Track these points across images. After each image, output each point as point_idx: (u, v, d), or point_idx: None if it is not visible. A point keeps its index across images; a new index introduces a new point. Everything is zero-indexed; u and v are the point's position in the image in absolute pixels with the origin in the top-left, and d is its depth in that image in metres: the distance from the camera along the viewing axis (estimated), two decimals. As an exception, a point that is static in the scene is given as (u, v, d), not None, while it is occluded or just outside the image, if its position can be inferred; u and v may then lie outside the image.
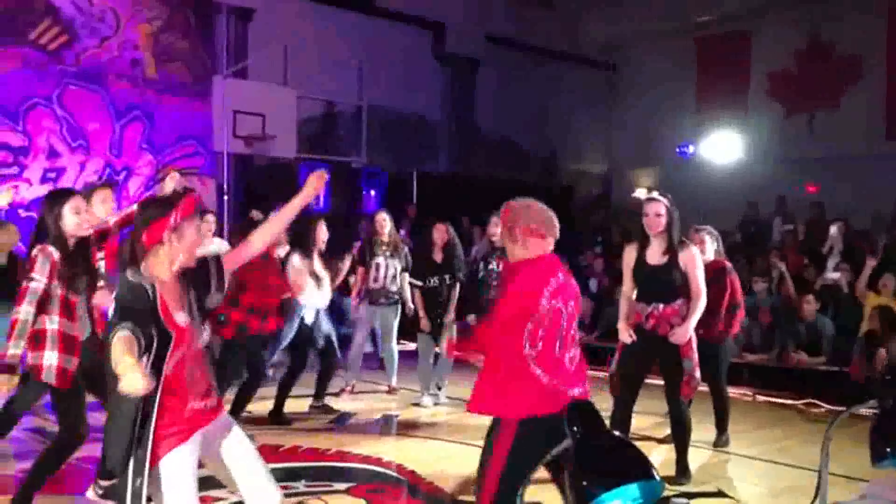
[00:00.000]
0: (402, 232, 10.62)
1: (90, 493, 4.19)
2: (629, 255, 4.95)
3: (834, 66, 14.03)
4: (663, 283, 4.77)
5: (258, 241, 3.10)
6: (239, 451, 2.95)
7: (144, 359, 2.59)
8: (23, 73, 9.97)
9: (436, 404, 6.97)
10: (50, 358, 3.76)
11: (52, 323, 3.78)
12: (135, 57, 10.86)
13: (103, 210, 4.50)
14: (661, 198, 4.81)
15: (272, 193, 12.23)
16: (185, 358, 2.75)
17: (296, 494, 4.62)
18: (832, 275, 9.14)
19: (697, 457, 5.57)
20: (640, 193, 16.60)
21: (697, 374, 4.85)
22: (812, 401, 7.30)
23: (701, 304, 4.78)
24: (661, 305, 4.77)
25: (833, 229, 9.90)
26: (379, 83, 13.08)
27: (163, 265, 2.75)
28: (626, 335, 4.86)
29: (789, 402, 7.44)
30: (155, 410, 2.64)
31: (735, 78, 15.07)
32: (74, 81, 10.38)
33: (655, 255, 4.82)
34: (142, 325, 2.58)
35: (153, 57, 10.98)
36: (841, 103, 13.84)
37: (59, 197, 3.94)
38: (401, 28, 14.11)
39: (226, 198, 11.13)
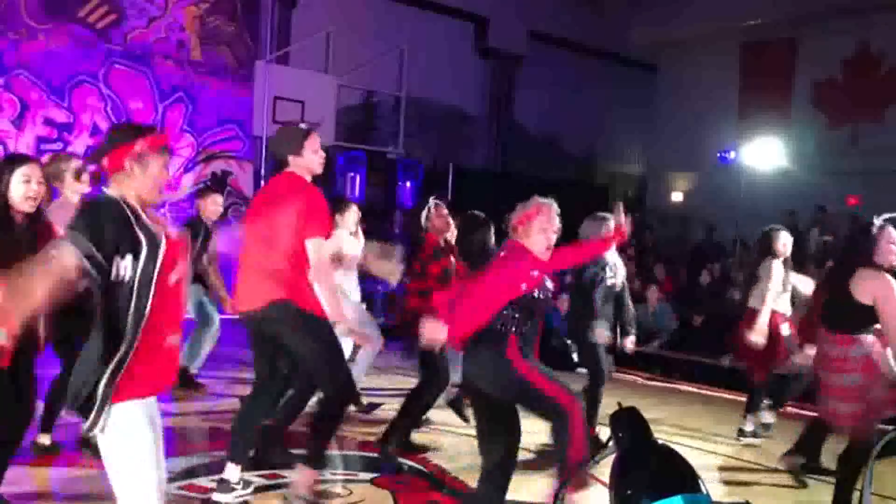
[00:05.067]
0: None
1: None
2: None
3: (881, 78, 13.78)
4: None
5: None
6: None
7: (126, 269, 2.42)
8: (70, 50, 10.11)
9: None
10: None
11: None
12: (180, 39, 10.97)
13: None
14: None
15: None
16: (176, 282, 2.59)
17: (320, 482, 4.64)
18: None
19: (728, 468, 5.54)
20: (678, 198, 16.47)
21: None
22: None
23: None
24: None
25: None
26: (419, 75, 13.09)
27: (129, 194, 2.60)
28: None
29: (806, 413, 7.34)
30: (135, 337, 2.45)
31: (779, 85, 14.87)
32: (120, 61, 10.51)
33: None
34: (116, 235, 2.42)
35: (198, 39, 11.08)
36: (885, 116, 13.60)
37: (9, 163, 3.59)
38: (444, 20, 14.11)
39: (262, 183, 11.20)
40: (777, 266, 5.77)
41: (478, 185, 13.36)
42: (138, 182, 2.58)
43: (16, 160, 3.66)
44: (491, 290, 3.46)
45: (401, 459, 5.19)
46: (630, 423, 1.77)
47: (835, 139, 14.09)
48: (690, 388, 8.59)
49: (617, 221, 4.28)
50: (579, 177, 15.96)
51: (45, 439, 4.66)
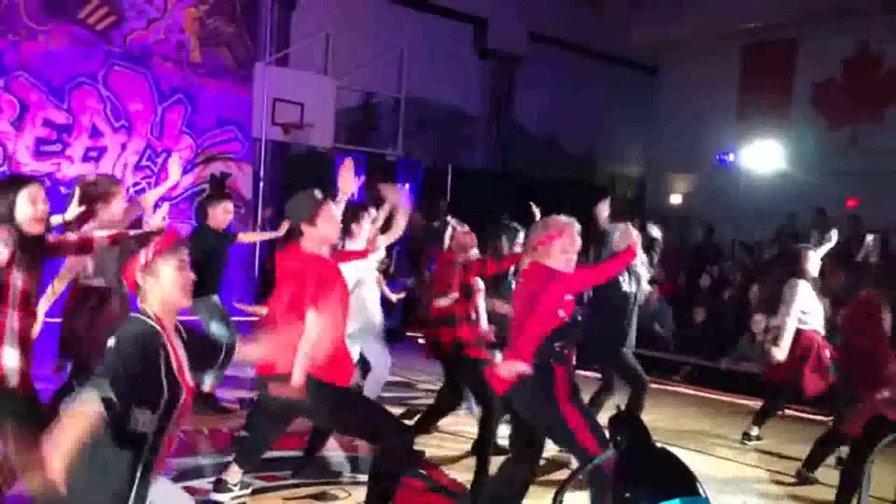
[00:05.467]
0: (436, 226, 10.64)
1: None
2: None
3: (880, 79, 13.78)
4: None
5: None
6: None
7: (145, 419, 2.35)
8: (70, 51, 10.10)
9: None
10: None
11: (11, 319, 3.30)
12: (180, 40, 10.97)
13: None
14: None
15: (308, 182, 12.28)
16: (175, 426, 2.51)
17: (320, 484, 4.64)
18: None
19: (728, 471, 5.53)
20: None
21: None
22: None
23: None
24: None
25: (869, 238, 9.73)
26: (419, 76, 13.09)
27: (160, 307, 2.50)
28: None
29: (820, 417, 7.33)
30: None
31: (779, 87, 14.85)
32: (120, 62, 10.51)
33: None
34: (141, 385, 2.34)
35: (198, 41, 11.08)
36: (885, 117, 13.59)
37: (13, 184, 3.45)
38: (443, 21, 14.11)
39: (261, 184, 11.22)
40: (803, 287, 5.68)
41: (477, 186, 13.37)
42: (156, 294, 2.49)
43: (20, 180, 3.53)
44: (541, 322, 3.37)
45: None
46: (629, 426, 1.77)
47: (835, 140, 14.07)
48: (687, 391, 8.59)
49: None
50: (579, 177, 15.94)
51: None
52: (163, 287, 2.48)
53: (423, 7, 13.73)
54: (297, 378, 3.53)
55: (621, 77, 16.40)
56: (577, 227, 3.68)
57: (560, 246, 3.57)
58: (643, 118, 16.76)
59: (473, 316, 4.97)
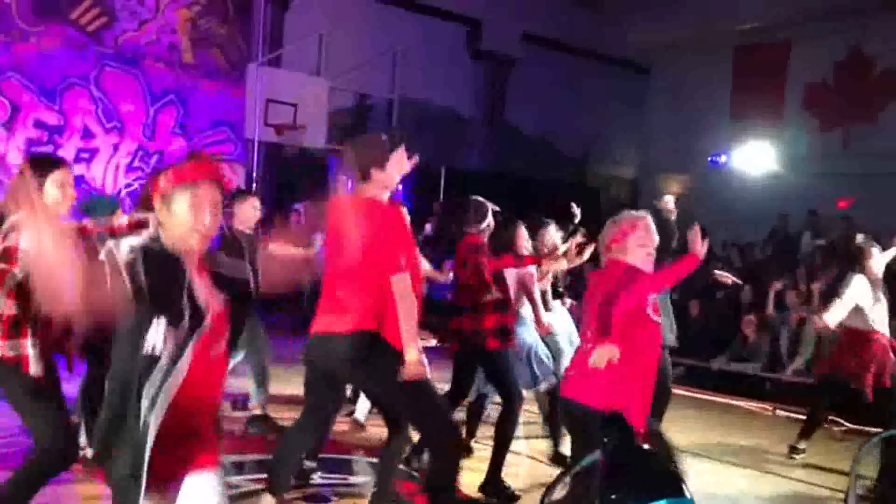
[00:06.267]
0: (428, 227, 10.63)
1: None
2: None
3: (873, 81, 13.82)
4: None
5: None
6: None
7: (164, 337, 2.16)
8: (62, 52, 10.08)
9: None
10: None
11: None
12: (172, 41, 10.95)
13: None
14: None
15: (301, 183, 12.31)
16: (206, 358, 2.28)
17: (311, 485, 4.63)
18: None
19: (715, 471, 5.53)
20: (668, 200, 16.48)
21: None
22: (834, 418, 7.21)
23: None
24: None
25: (860, 238, 9.76)
26: (412, 77, 13.08)
27: (176, 241, 2.29)
28: None
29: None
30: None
31: (771, 88, 14.88)
32: (112, 63, 10.48)
33: None
34: (168, 296, 2.17)
35: (190, 42, 11.06)
36: (878, 119, 13.63)
37: (42, 166, 3.32)
38: (436, 23, 14.11)
39: (255, 185, 11.19)
40: (860, 282, 5.41)
41: (471, 187, 13.30)
42: (170, 226, 2.28)
43: (50, 163, 3.40)
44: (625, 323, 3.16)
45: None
46: (616, 428, 1.76)
47: (827, 142, 14.11)
48: (681, 392, 8.59)
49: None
50: (573, 179, 15.96)
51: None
52: (176, 222, 2.27)
53: (417, 8, 13.73)
54: (413, 354, 3.28)
55: (615, 78, 16.42)
56: (650, 220, 3.55)
57: (635, 240, 3.45)
58: (637, 119, 16.79)
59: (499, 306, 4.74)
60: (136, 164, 10.85)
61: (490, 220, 4.97)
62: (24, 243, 3.10)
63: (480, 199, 5.06)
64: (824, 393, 5.89)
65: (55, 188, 3.28)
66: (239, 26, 11.52)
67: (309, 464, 4.63)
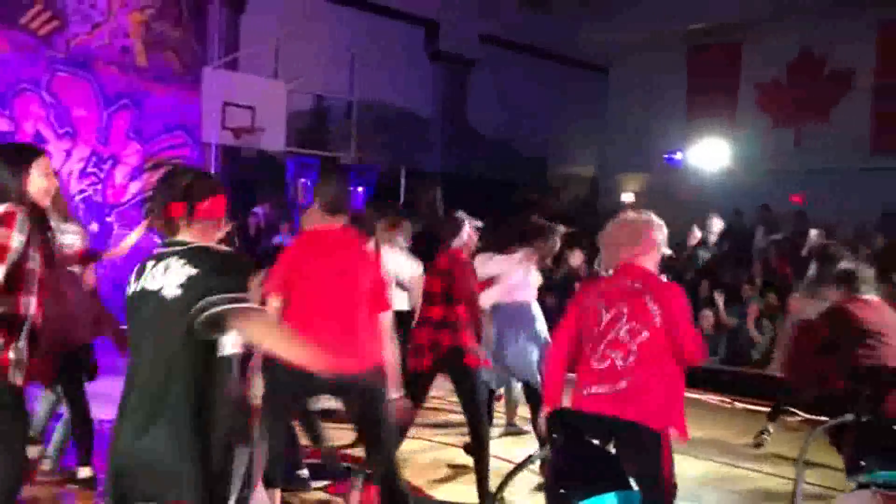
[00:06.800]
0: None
1: None
2: None
3: (824, 80, 14.12)
4: None
5: None
6: None
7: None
8: (12, 57, 9.88)
9: None
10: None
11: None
12: (125, 45, 10.79)
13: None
14: None
15: (260, 186, 12.23)
16: None
17: (291, 490, 4.60)
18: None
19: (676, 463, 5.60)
20: (628, 198, 16.70)
21: None
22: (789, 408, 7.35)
23: None
24: None
25: (813, 233, 9.99)
26: (371, 79, 13.05)
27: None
28: None
29: (767, 409, 7.49)
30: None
31: (725, 87, 15.14)
32: (63, 68, 10.30)
33: None
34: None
35: (144, 45, 10.91)
36: (829, 116, 13.94)
37: (24, 154, 3.10)
38: (394, 24, 14.10)
39: (213, 189, 11.08)
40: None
41: (430, 189, 13.35)
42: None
43: (32, 150, 3.21)
44: None
45: (355, 466, 5.16)
46: (564, 425, 1.79)
47: (779, 139, 14.39)
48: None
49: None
50: (532, 178, 16.06)
51: (86, 472, 4.56)
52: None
53: (374, 10, 13.71)
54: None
55: (573, 79, 16.57)
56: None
57: (658, 247, 3.42)
58: (595, 119, 16.95)
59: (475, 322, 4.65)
60: (89, 169, 10.68)
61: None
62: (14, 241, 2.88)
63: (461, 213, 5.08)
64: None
65: (42, 177, 3.04)
66: (193, 29, 11.39)
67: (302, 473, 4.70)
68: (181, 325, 2.12)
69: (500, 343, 5.23)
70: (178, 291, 2.15)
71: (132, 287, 2.30)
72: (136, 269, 2.33)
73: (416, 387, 4.48)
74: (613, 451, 2.56)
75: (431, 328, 4.58)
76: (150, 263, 2.29)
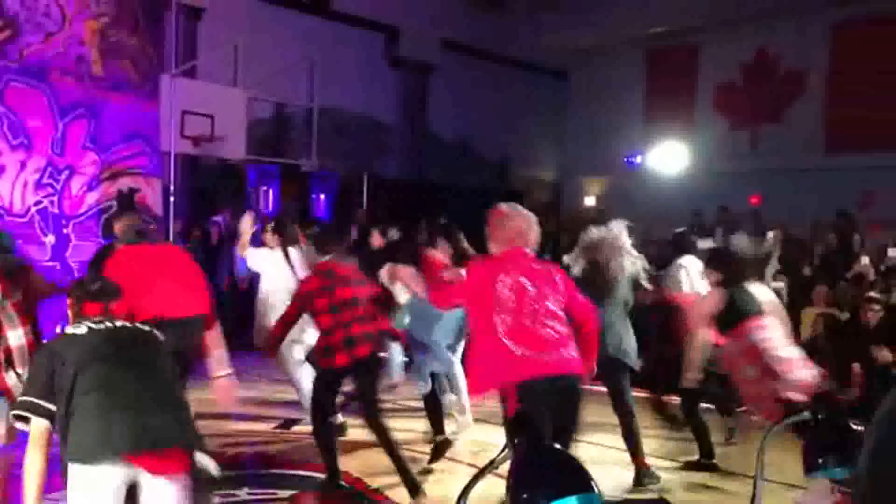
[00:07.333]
0: (377, 238, 10.53)
1: None
2: None
3: (779, 81, 14.41)
4: None
5: None
6: None
7: None
8: (-38, 67, 9.67)
9: None
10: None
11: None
12: (80, 53, 10.61)
13: None
14: None
15: (220, 195, 12.12)
16: None
17: (239, 503, 4.57)
18: (774, 284, 9.35)
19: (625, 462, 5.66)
20: (590, 202, 16.85)
21: None
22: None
23: None
24: None
25: (770, 235, 10.17)
26: (331, 86, 13.02)
27: None
28: None
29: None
30: None
31: (682, 90, 15.38)
32: (16, 77, 10.09)
33: None
34: None
35: (99, 54, 10.74)
36: (784, 117, 14.22)
37: None
38: (354, 31, 14.08)
39: (172, 199, 10.95)
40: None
41: (393, 195, 13.38)
42: None
43: None
44: None
45: (320, 475, 5.13)
46: (525, 428, 1.81)
47: (736, 141, 14.65)
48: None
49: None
50: (494, 183, 16.13)
51: None
52: None
53: (333, 16, 13.68)
54: None
55: (533, 83, 16.70)
56: None
57: None
58: (556, 123, 17.10)
59: None
60: (45, 180, 10.47)
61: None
62: None
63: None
64: None
65: None
66: (150, 37, 11.24)
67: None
68: None
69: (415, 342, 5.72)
70: None
71: None
72: None
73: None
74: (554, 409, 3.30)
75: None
76: None
